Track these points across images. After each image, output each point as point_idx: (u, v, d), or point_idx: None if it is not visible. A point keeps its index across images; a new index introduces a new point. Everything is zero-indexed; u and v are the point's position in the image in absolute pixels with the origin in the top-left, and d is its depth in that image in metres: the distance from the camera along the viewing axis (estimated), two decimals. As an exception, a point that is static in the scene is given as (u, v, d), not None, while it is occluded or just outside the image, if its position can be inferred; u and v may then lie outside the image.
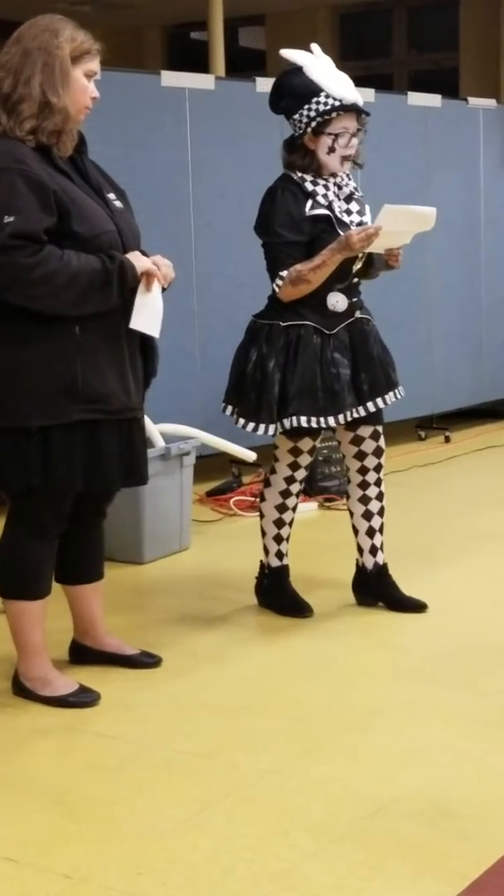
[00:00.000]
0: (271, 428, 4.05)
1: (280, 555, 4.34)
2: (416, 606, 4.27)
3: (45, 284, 3.23)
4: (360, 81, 7.10)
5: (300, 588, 4.35)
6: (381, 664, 3.84)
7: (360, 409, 4.11)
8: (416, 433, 7.60)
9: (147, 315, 3.45)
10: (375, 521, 4.28)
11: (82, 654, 3.82)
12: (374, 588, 4.32)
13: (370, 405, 4.12)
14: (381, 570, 4.31)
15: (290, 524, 4.33)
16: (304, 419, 4.02)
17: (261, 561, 4.39)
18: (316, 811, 2.87)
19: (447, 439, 7.53)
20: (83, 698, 3.52)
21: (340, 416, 4.06)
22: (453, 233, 7.49)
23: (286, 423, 4.03)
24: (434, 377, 7.46)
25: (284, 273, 3.99)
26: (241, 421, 4.11)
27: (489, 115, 7.71)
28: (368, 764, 3.12)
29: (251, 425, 4.07)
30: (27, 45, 3.33)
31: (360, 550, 4.31)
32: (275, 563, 4.35)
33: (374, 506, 4.27)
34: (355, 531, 4.31)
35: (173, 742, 3.28)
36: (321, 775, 3.06)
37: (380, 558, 4.31)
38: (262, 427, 4.05)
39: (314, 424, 4.03)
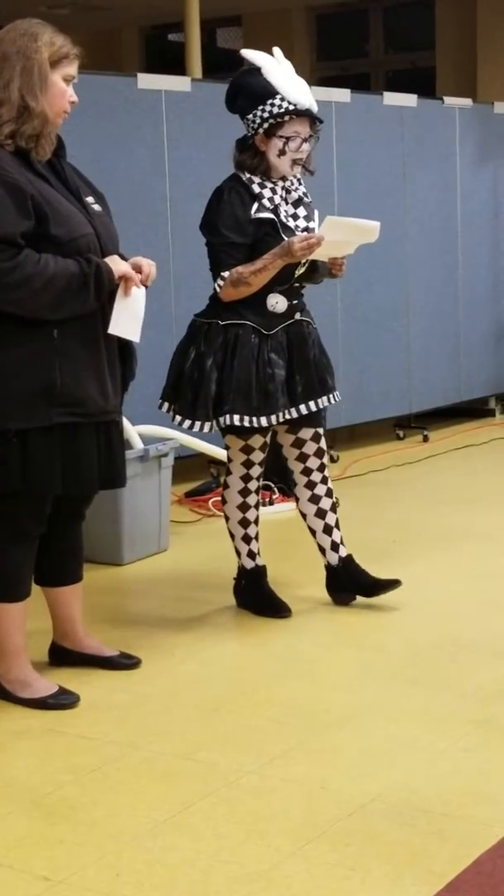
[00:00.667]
0: (206, 426, 4.09)
1: (252, 554, 4.35)
2: (391, 584, 4.30)
3: (22, 288, 3.24)
4: (336, 81, 7.14)
5: (277, 588, 4.36)
6: (359, 663, 3.86)
7: (293, 410, 4.16)
8: (394, 432, 7.62)
9: (126, 319, 3.46)
10: (330, 518, 4.32)
11: (61, 655, 3.82)
12: (346, 581, 4.34)
13: (302, 407, 4.17)
14: (347, 560, 4.34)
15: (256, 522, 4.35)
16: (237, 417, 4.05)
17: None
18: (294, 811, 2.88)
19: (425, 438, 7.55)
20: (63, 700, 3.53)
21: (273, 417, 4.10)
22: (430, 232, 7.52)
23: (221, 421, 4.07)
24: (412, 376, 7.49)
25: (226, 274, 4.03)
26: (178, 418, 4.15)
27: (465, 115, 7.74)
28: (346, 764, 3.14)
29: (188, 422, 4.11)
30: (6, 49, 3.33)
31: (322, 550, 4.34)
32: (249, 564, 4.36)
33: (325, 503, 4.30)
34: (312, 532, 4.34)
35: (152, 743, 3.29)
36: (299, 775, 3.07)
37: (342, 552, 4.33)
38: (198, 424, 4.09)
39: (247, 423, 4.07)
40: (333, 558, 4.33)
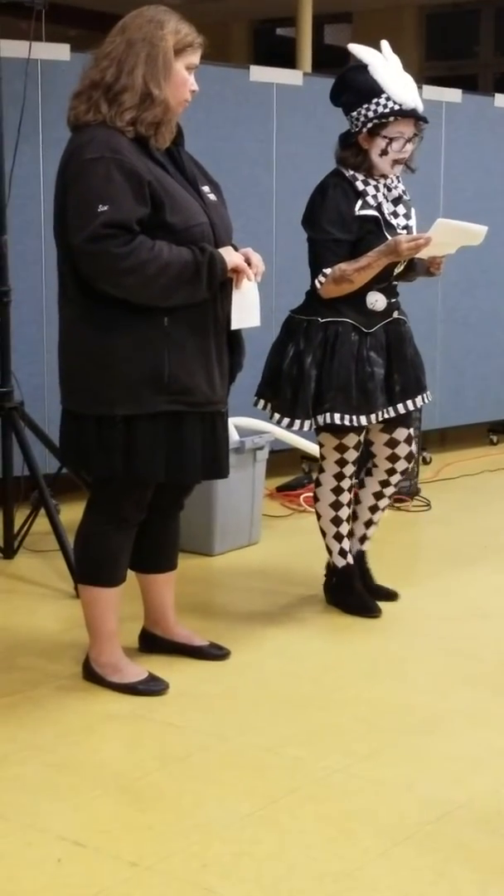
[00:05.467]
0: (306, 424, 4.08)
1: (343, 553, 4.34)
2: (388, 595, 4.36)
3: (135, 274, 3.24)
4: (444, 81, 7.09)
5: (367, 588, 4.35)
6: (448, 668, 3.82)
7: (391, 409, 4.14)
8: (488, 437, 7.54)
9: (244, 311, 3.47)
10: (377, 516, 4.37)
11: (152, 642, 3.84)
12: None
13: (400, 407, 4.16)
14: (360, 556, 4.39)
15: (349, 521, 4.34)
16: (337, 416, 4.04)
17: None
18: (381, 813, 2.87)
19: (520, 444, 7.48)
20: (152, 686, 3.55)
21: (372, 416, 4.09)
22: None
23: (320, 419, 4.06)
24: (508, 381, 7.41)
25: (328, 270, 4.01)
26: (276, 416, 4.14)
27: None
28: (434, 768, 3.11)
29: (286, 420, 4.10)
30: (131, 35, 3.34)
31: (350, 534, 4.36)
32: (340, 562, 4.34)
33: (383, 503, 4.36)
34: (354, 516, 4.37)
35: (239, 735, 3.29)
36: (386, 777, 3.06)
37: (365, 546, 4.38)
38: (297, 423, 4.08)
39: (347, 422, 4.05)
40: (354, 547, 4.37)
